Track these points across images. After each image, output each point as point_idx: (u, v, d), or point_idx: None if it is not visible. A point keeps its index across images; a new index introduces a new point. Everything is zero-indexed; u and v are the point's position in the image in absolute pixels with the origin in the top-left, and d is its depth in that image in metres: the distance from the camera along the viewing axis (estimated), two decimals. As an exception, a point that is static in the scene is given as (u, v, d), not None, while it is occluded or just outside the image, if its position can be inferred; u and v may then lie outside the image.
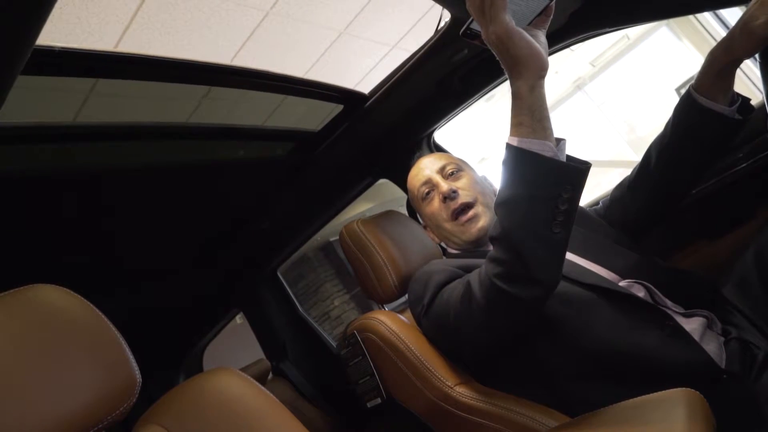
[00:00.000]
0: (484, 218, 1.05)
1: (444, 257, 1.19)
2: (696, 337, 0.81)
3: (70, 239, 1.16)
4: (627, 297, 0.86)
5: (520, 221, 0.72)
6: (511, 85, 0.72)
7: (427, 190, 1.11)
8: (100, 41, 1.84)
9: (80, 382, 0.52)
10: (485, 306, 0.78)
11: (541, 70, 0.70)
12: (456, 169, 1.12)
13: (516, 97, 0.71)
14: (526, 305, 0.76)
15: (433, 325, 0.96)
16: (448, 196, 1.06)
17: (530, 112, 0.70)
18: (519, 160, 0.71)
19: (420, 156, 1.42)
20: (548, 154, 0.70)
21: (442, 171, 1.12)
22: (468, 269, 0.94)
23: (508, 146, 0.73)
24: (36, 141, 0.88)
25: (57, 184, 0.98)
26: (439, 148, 1.50)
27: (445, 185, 1.08)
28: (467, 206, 1.06)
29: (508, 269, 0.74)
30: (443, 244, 1.17)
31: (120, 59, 0.87)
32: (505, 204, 0.74)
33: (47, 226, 1.08)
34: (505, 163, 0.74)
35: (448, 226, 1.07)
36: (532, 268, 0.72)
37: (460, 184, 1.08)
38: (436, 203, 1.09)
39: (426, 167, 1.14)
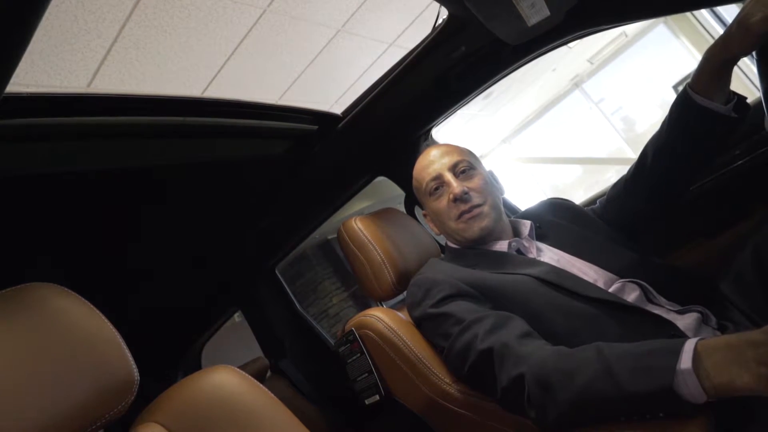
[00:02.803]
0: (488, 218, 1.03)
1: (442, 255, 1.19)
2: (690, 332, 0.81)
3: (67, 238, 1.16)
4: (633, 309, 0.85)
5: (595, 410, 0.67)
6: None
7: (436, 186, 1.07)
8: (98, 38, 1.84)
9: (78, 380, 0.51)
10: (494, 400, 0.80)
11: None
12: (468, 167, 1.07)
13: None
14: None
15: (433, 339, 0.96)
16: (460, 198, 1.02)
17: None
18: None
19: (428, 145, 1.40)
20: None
21: (454, 168, 1.07)
22: (471, 284, 0.93)
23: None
24: (35, 140, 0.88)
25: (54, 183, 0.98)
26: (436, 146, 1.50)
27: (458, 187, 1.03)
28: (475, 207, 1.03)
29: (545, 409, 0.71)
30: (443, 237, 1.16)
31: (91, 99, 0.89)
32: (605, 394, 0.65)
33: (45, 225, 1.07)
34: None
35: (453, 224, 1.05)
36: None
37: (473, 184, 1.05)
38: (444, 202, 1.06)
39: (437, 161, 1.09)
